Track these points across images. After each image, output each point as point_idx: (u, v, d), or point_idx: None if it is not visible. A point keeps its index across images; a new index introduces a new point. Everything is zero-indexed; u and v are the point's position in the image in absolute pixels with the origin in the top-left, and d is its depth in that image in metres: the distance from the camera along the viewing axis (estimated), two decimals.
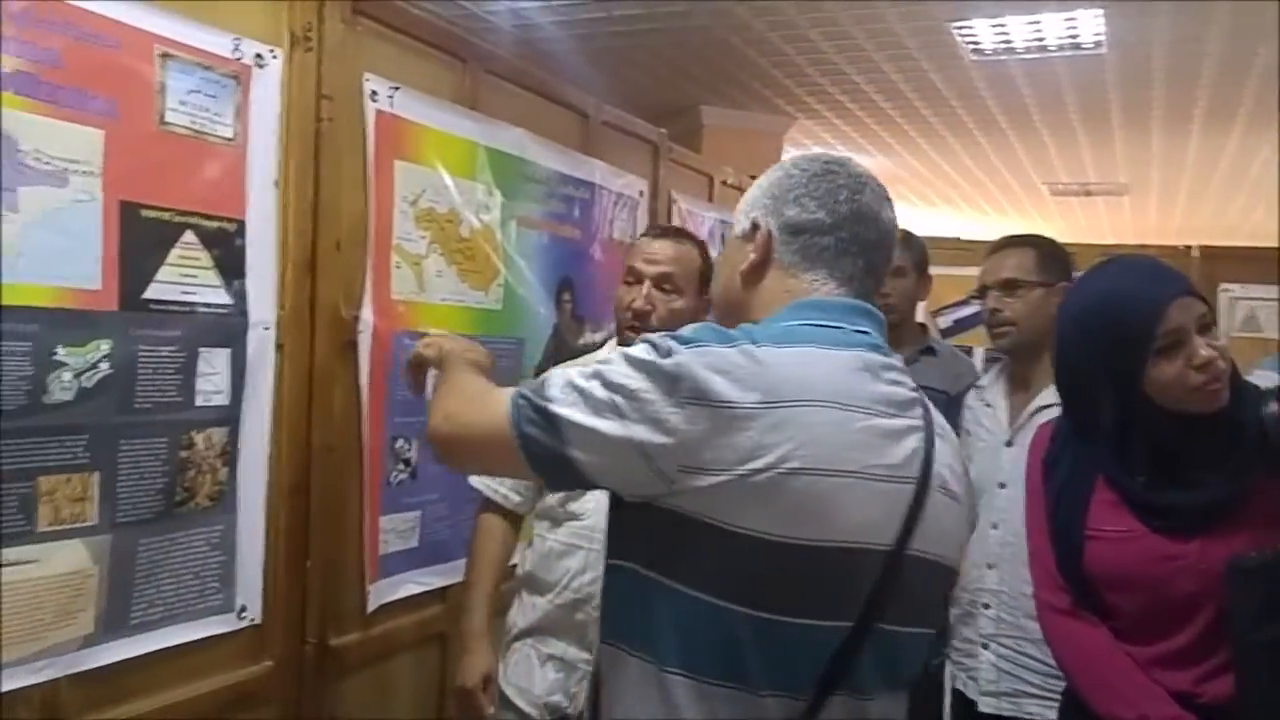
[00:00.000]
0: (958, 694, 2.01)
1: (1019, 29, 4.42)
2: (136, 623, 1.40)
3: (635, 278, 1.68)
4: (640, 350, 0.92)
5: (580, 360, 1.57)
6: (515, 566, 1.81)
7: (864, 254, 1.04)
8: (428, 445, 1.15)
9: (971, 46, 4.64)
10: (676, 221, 2.98)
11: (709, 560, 0.90)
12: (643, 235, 1.82)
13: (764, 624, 0.90)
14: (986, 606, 1.89)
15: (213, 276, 1.49)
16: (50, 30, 1.27)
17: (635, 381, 0.89)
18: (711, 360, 0.89)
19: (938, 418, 1.03)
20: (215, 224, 1.50)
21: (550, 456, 0.92)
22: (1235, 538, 1.28)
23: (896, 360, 1.00)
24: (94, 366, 1.32)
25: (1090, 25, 4.34)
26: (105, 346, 1.34)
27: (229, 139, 1.51)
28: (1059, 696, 1.55)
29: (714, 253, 1.72)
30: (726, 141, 5.57)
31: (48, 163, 1.27)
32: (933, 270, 2.47)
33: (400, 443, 1.89)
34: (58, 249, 1.28)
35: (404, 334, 1.85)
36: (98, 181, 1.33)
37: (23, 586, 1.25)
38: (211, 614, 1.51)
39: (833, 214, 1.03)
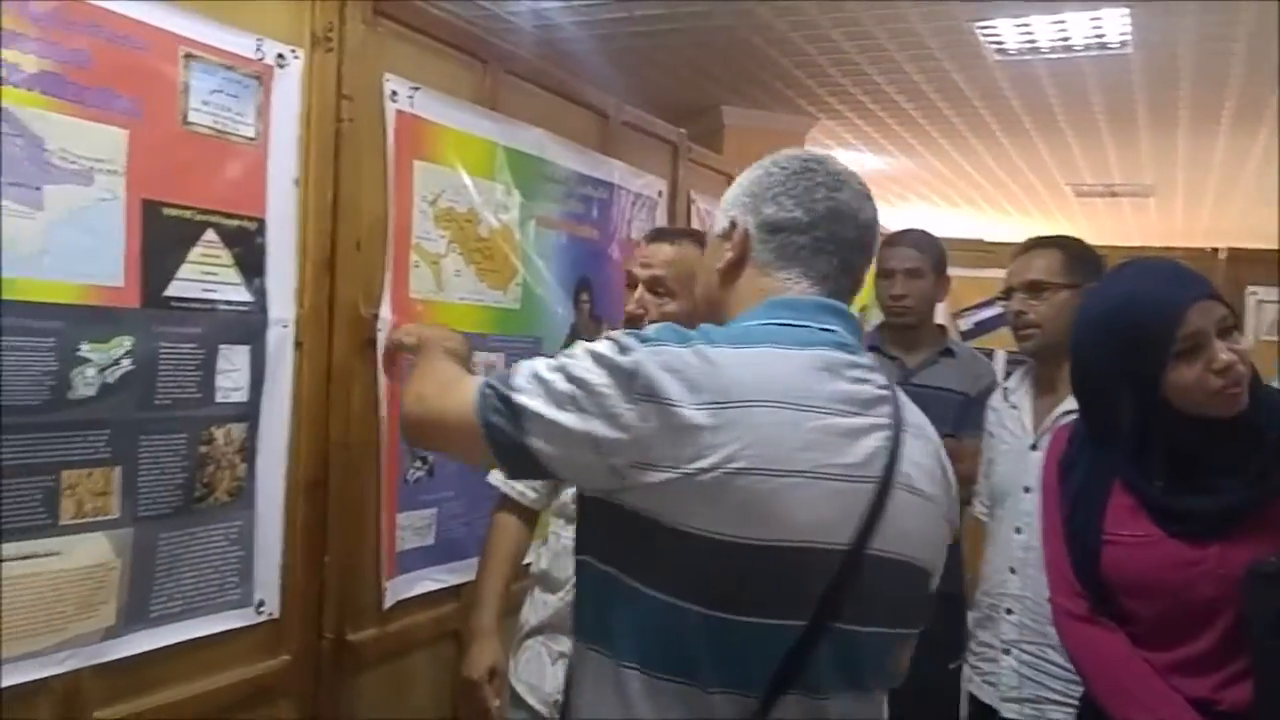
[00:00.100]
0: (974, 699, 1.99)
1: (1043, 28, 4.39)
2: (157, 615, 1.42)
3: (631, 282, 1.69)
4: (603, 346, 0.94)
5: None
6: (530, 565, 1.82)
7: (841, 253, 1.04)
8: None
9: (995, 46, 4.61)
10: (695, 222, 2.98)
11: (660, 558, 0.91)
12: (643, 238, 1.83)
13: (716, 622, 0.90)
14: (1009, 612, 1.88)
15: (233, 274, 1.51)
16: (77, 31, 1.29)
17: (595, 376, 0.91)
18: (665, 359, 0.90)
19: (912, 416, 1.02)
20: (236, 222, 1.51)
21: (511, 445, 0.94)
22: (1254, 543, 1.27)
23: (864, 358, 1.00)
24: (116, 363, 1.34)
25: (1116, 24, 4.30)
26: (127, 343, 1.36)
27: (250, 138, 1.53)
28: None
29: None
30: (748, 142, 5.56)
31: (73, 162, 1.29)
32: (955, 272, 2.46)
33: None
34: (82, 247, 1.30)
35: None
36: (121, 180, 1.35)
37: (46, 578, 1.27)
38: (230, 608, 1.53)
39: (810, 212, 1.03)
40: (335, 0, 1.66)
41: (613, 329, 2.45)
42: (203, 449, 1.47)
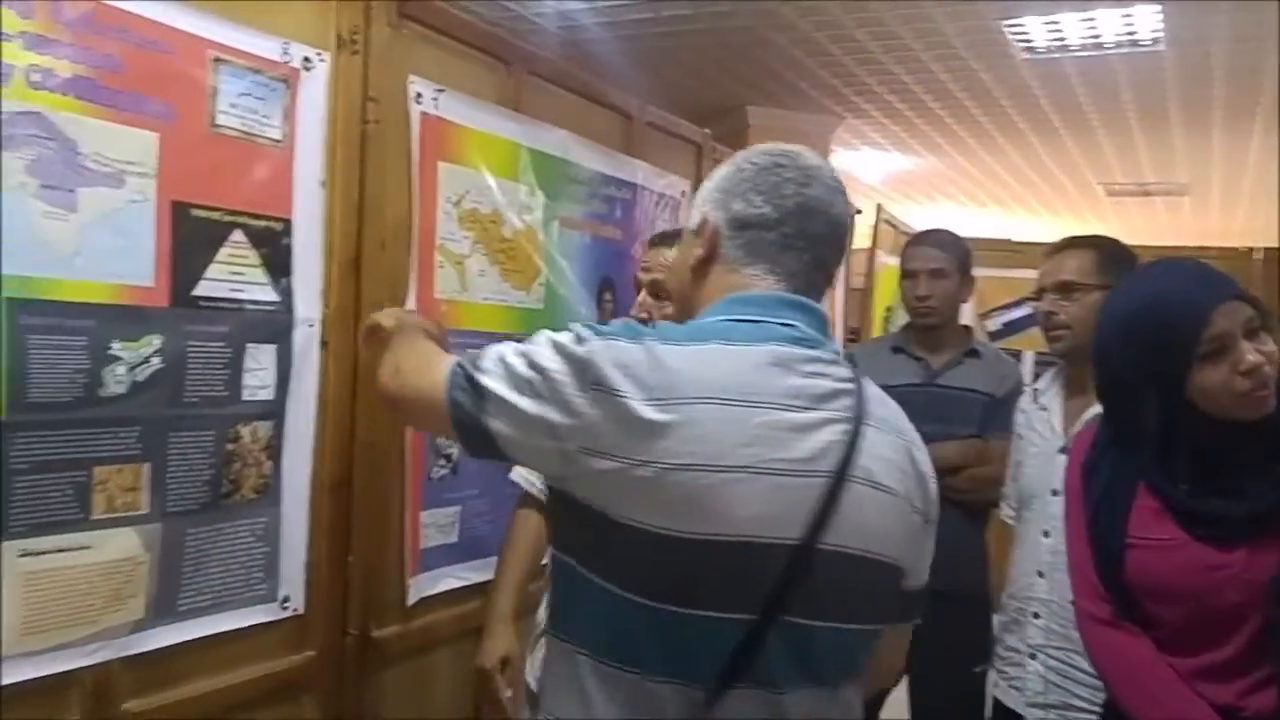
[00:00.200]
0: (999, 704, 1.98)
1: (1073, 26, 4.34)
2: (185, 609, 1.45)
3: (638, 286, 1.70)
4: (563, 336, 0.96)
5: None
6: (546, 565, 1.83)
7: (811, 248, 1.04)
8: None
9: (1024, 45, 4.57)
10: None
11: (608, 550, 0.93)
12: (643, 242, 1.83)
13: (664, 614, 0.91)
14: (1036, 616, 1.85)
15: (260, 275, 1.53)
16: (109, 36, 1.32)
17: (552, 364, 0.93)
18: (616, 354, 0.92)
19: (879, 410, 1.01)
20: (263, 223, 1.54)
21: (472, 425, 0.97)
22: None
23: (824, 353, 0.99)
24: (146, 361, 1.37)
25: (1148, 22, 4.24)
26: (157, 341, 1.38)
27: (277, 140, 1.56)
28: None
29: None
30: (772, 141, 5.54)
31: (106, 165, 1.32)
32: (983, 272, 2.44)
33: (441, 439, 1.92)
34: (114, 248, 1.33)
35: (447, 333, 1.87)
36: (152, 183, 1.37)
37: (78, 572, 1.30)
38: (256, 603, 1.56)
39: (778, 209, 1.03)
40: (361, 3, 1.68)
41: None
42: (229, 446, 1.49)
